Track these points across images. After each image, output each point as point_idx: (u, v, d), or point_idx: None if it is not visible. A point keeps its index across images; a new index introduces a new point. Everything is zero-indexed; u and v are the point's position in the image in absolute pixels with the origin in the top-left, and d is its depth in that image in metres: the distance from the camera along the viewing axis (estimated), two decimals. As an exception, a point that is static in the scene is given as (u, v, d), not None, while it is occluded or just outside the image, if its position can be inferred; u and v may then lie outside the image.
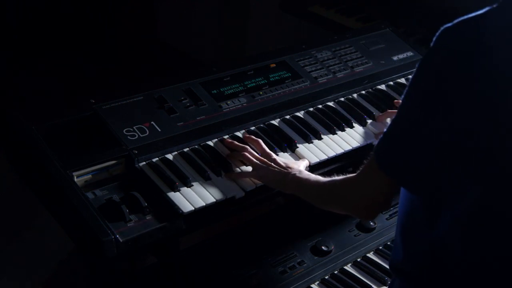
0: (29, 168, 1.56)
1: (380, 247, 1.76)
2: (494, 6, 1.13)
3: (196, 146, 1.64)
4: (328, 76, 1.98)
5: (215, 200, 1.50)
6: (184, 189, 1.51)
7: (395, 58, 2.17)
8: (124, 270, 1.63)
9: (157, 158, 1.57)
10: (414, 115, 1.18)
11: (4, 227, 2.84)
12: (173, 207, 1.45)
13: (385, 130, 1.23)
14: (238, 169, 1.60)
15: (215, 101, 1.76)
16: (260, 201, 1.62)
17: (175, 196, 1.48)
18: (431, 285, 1.28)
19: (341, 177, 1.41)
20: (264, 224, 1.83)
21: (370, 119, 1.88)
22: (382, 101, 1.97)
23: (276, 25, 3.69)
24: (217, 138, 1.68)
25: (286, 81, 1.91)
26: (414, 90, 1.18)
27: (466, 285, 1.23)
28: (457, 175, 1.16)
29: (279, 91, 1.86)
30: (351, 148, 1.77)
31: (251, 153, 1.60)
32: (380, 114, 1.90)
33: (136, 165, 1.53)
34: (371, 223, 1.82)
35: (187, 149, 1.63)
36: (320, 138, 1.76)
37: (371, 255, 1.73)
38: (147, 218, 1.42)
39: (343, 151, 1.75)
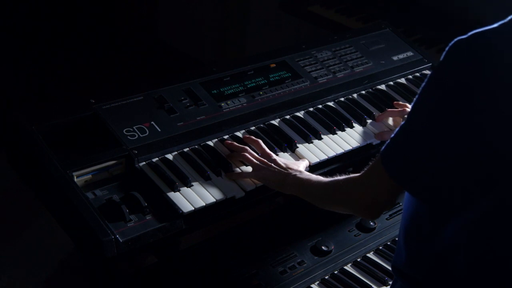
0: (29, 168, 1.55)
1: (380, 247, 1.76)
2: (506, 20, 1.14)
3: (196, 146, 1.64)
4: (328, 76, 1.98)
5: (215, 200, 1.50)
6: (184, 189, 1.51)
7: (395, 58, 2.17)
8: (124, 270, 1.63)
9: (157, 158, 1.57)
10: (422, 124, 1.17)
11: (4, 227, 2.85)
12: (173, 207, 1.45)
13: (392, 135, 1.23)
14: (238, 169, 1.60)
15: (215, 101, 1.76)
16: (260, 201, 1.62)
17: (175, 196, 1.48)
18: None
19: (343, 176, 1.41)
20: (264, 224, 1.83)
21: (370, 119, 1.88)
22: (382, 101, 1.97)
23: (276, 25, 3.70)
24: (217, 138, 1.68)
25: (286, 81, 1.91)
26: (424, 98, 1.18)
27: None
28: (465, 185, 1.15)
29: (279, 91, 1.86)
30: (351, 148, 1.77)
31: (251, 154, 1.60)
32: (380, 114, 1.90)
33: (136, 165, 1.53)
34: (371, 223, 1.82)
35: (187, 149, 1.63)
36: (320, 138, 1.76)
37: (371, 255, 1.73)
38: (147, 218, 1.42)
39: (343, 151, 1.75)
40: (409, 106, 1.91)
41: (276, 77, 1.91)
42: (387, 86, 2.07)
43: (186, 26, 4.36)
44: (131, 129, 1.59)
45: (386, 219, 1.85)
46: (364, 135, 1.83)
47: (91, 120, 1.59)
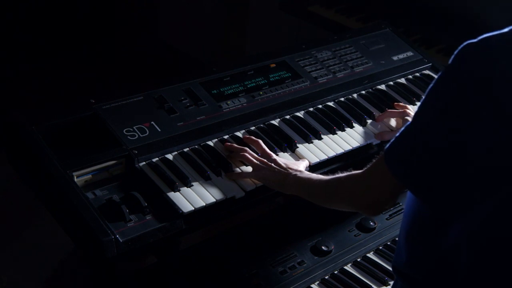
0: (29, 168, 1.55)
1: (380, 247, 1.76)
2: None
3: (196, 146, 1.64)
4: (328, 76, 1.98)
5: (215, 200, 1.50)
6: (184, 189, 1.51)
7: (395, 58, 2.17)
8: (124, 270, 1.63)
9: (157, 158, 1.57)
10: (429, 124, 1.17)
11: (4, 227, 2.84)
12: (173, 207, 1.45)
13: (397, 134, 1.23)
14: (238, 169, 1.60)
15: (215, 101, 1.76)
16: (260, 201, 1.62)
17: (175, 196, 1.48)
18: None
19: (345, 173, 1.41)
20: (264, 224, 1.83)
21: (370, 119, 1.88)
22: (382, 101, 1.97)
23: (276, 25, 3.69)
24: (217, 138, 1.68)
25: (286, 81, 1.91)
26: (431, 100, 1.17)
27: None
28: (469, 189, 1.15)
29: (279, 91, 1.86)
30: (351, 148, 1.77)
31: (251, 154, 1.60)
32: (380, 114, 1.90)
33: (136, 165, 1.53)
34: (371, 223, 1.82)
35: (187, 149, 1.63)
36: (320, 138, 1.76)
37: (371, 255, 1.73)
38: (147, 218, 1.42)
39: (343, 151, 1.75)
40: (409, 107, 1.92)
41: (276, 77, 1.91)
42: (387, 86, 2.07)
43: (186, 26, 4.36)
44: (131, 129, 1.59)
45: (386, 219, 1.85)
46: (364, 135, 1.83)
47: (91, 120, 1.59)
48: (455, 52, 1.14)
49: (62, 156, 1.47)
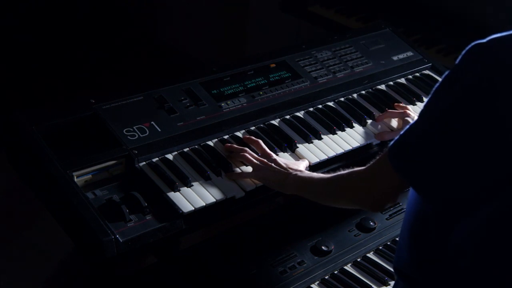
0: (29, 168, 1.55)
1: (380, 247, 1.76)
2: None
3: (196, 146, 1.64)
4: (328, 76, 1.98)
5: (215, 200, 1.50)
6: (184, 189, 1.51)
7: (395, 58, 2.17)
8: (124, 270, 1.63)
9: (157, 158, 1.57)
10: (435, 123, 1.16)
11: (4, 227, 2.84)
12: (173, 207, 1.45)
13: (402, 132, 1.23)
14: (238, 169, 1.60)
15: (215, 101, 1.76)
16: (260, 201, 1.62)
17: (175, 196, 1.48)
18: None
19: (347, 170, 1.41)
20: (264, 224, 1.83)
21: (370, 119, 1.88)
22: (382, 101, 1.97)
23: (276, 25, 3.69)
24: (217, 138, 1.68)
25: (286, 81, 1.91)
26: (438, 98, 1.17)
27: None
28: (473, 189, 1.15)
29: (279, 91, 1.86)
30: (351, 148, 1.77)
31: (251, 154, 1.60)
32: (380, 114, 1.90)
33: (136, 165, 1.53)
34: (371, 223, 1.82)
35: (187, 149, 1.63)
36: (320, 138, 1.76)
37: (371, 255, 1.73)
38: (147, 218, 1.42)
39: (343, 151, 1.75)
40: (410, 108, 1.92)
41: (276, 77, 1.91)
42: (387, 86, 2.07)
43: (186, 26, 4.36)
44: (131, 129, 1.59)
45: (386, 219, 1.85)
46: (364, 135, 1.83)
47: (91, 120, 1.59)
48: (463, 53, 1.14)
49: (62, 156, 1.47)
